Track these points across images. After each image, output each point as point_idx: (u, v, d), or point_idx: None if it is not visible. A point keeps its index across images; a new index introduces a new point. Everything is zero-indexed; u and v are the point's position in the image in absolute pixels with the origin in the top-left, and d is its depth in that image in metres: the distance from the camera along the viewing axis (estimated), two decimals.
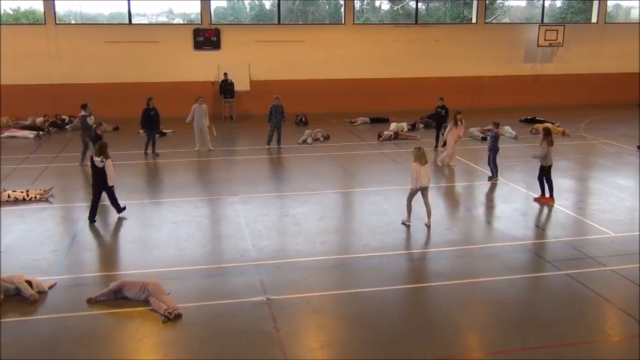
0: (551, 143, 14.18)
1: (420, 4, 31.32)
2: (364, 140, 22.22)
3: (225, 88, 27.14)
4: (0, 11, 27.34)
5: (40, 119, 25.36)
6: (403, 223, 12.50)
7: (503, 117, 25.68)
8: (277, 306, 8.93)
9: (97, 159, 12.69)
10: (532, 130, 23.62)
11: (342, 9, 29.88)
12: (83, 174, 16.79)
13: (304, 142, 21.61)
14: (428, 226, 12.31)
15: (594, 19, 32.16)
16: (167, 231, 12.31)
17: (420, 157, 12.21)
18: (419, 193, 12.32)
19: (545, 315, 8.67)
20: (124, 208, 13.29)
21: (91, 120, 18.22)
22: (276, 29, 29.16)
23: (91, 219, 12.85)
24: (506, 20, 34.47)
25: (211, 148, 20.11)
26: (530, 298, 9.24)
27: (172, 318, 8.46)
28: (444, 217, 13.19)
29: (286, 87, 27.70)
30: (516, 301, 9.17)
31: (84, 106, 18.44)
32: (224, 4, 32.65)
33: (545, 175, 14.24)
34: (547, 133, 14.32)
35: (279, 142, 20.65)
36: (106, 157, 12.74)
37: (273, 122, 20.52)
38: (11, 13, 29.83)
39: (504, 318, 8.65)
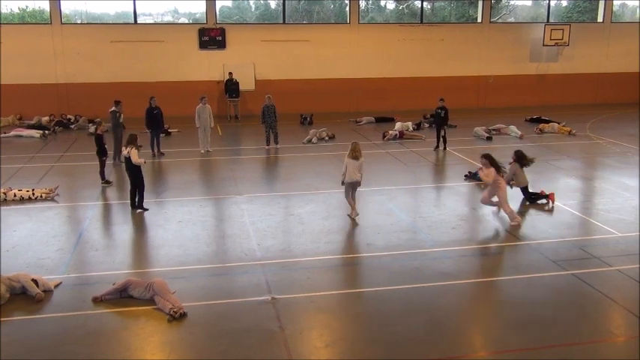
0: (525, 165, 14.19)
1: (425, 3, 31.28)
2: (369, 140, 22.20)
3: (231, 87, 27.17)
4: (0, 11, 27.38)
5: (45, 118, 25.45)
6: (348, 216, 12.93)
7: (508, 116, 25.76)
8: (282, 305, 8.94)
9: (124, 150, 13.31)
10: (537, 129, 23.56)
11: (347, 8, 29.87)
12: (89, 173, 16.82)
13: (309, 141, 21.60)
14: (352, 218, 12.80)
15: (600, 19, 32.05)
16: (172, 230, 12.34)
17: (354, 152, 12.74)
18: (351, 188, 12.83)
19: (551, 315, 8.65)
20: (146, 209, 13.52)
21: (120, 117, 18.28)
22: (281, 29, 29.17)
23: (132, 206, 13.53)
24: (512, 20, 34.42)
25: (209, 149, 20.01)
26: (535, 298, 9.21)
27: (177, 317, 8.47)
28: (449, 216, 13.17)
29: (291, 86, 27.78)
30: (521, 300, 9.14)
31: (116, 103, 18.51)
32: (229, 3, 32.71)
33: (525, 194, 14.17)
34: (519, 156, 14.30)
35: (275, 141, 20.54)
36: (134, 147, 13.26)
37: (267, 123, 20.36)
38: (18, 12, 29.94)
39: (509, 317, 8.63)
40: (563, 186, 15.74)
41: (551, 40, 30.47)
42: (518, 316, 8.64)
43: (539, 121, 25.11)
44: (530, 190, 14.31)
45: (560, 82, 31.44)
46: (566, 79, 31.50)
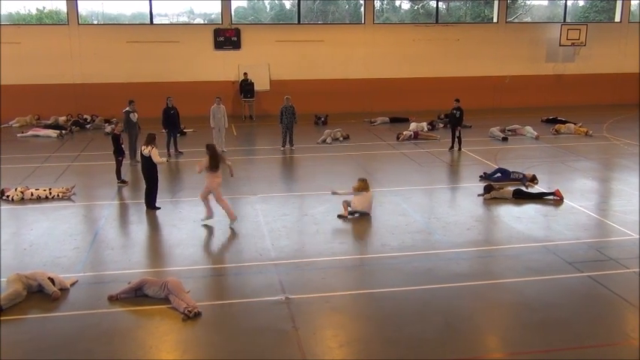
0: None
1: (440, 3, 31.17)
2: (384, 140, 22.17)
3: (246, 87, 27.24)
4: (0, 12, 27.72)
5: (62, 118, 25.69)
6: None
7: (524, 117, 25.60)
8: (296, 305, 8.94)
9: (144, 149, 13.33)
10: (553, 130, 23.38)
11: (362, 8, 29.84)
12: (105, 172, 16.94)
13: (324, 141, 21.60)
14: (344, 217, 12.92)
15: (617, 18, 31.77)
16: (187, 230, 12.39)
17: (365, 185, 13.08)
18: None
19: (567, 317, 8.58)
20: (158, 208, 13.60)
21: (134, 117, 18.38)
22: (296, 29, 29.21)
23: (147, 205, 13.61)
24: (528, 19, 34.21)
25: (224, 149, 20.04)
26: (551, 300, 9.14)
27: (192, 316, 8.51)
28: (464, 217, 13.11)
29: (306, 87, 27.79)
30: (537, 302, 9.08)
31: (130, 102, 18.59)
32: (244, 4, 32.80)
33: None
34: (488, 188, 14.54)
35: (290, 142, 20.50)
36: (154, 146, 13.30)
37: (285, 123, 20.34)
38: (36, 13, 30.24)
39: (525, 319, 8.57)
40: (579, 187, 15.61)
41: (567, 40, 30.25)
42: (533, 318, 8.58)
43: (555, 121, 24.92)
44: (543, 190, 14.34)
45: (577, 82, 31.19)
46: (582, 79, 31.25)
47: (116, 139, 16.09)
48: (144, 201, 13.75)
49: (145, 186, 13.86)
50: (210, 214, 12.69)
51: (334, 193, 13.46)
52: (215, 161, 12.37)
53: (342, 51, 29.09)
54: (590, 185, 15.99)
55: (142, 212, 13.55)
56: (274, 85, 28.08)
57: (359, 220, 12.93)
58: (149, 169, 13.50)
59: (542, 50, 31.07)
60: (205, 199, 12.68)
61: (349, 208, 13.03)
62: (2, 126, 25.27)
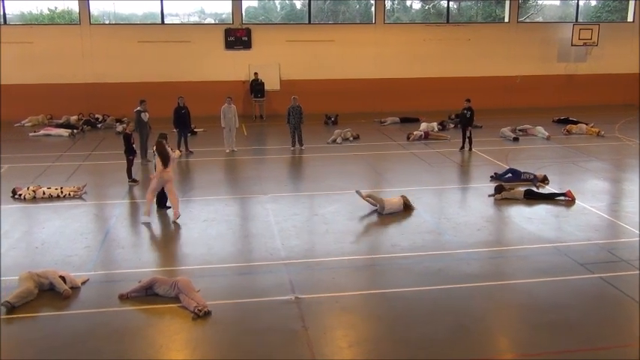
0: None
1: (451, 3, 31.09)
2: (394, 140, 22.13)
3: (256, 87, 27.29)
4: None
5: (74, 118, 25.83)
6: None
7: (535, 117, 25.48)
8: (306, 305, 8.95)
9: (150, 151, 13.55)
10: (564, 130, 23.25)
11: (373, 8, 29.81)
12: (116, 171, 17.02)
13: (334, 141, 21.59)
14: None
15: (630, 18, 31.55)
16: (198, 229, 12.43)
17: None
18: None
19: (578, 318, 8.54)
20: (169, 207, 13.55)
21: (145, 116, 18.43)
22: (306, 29, 29.22)
23: (158, 205, 13.65)
24: (540, 19, 34.02)
25: (234, 149, 20.10)
26: (562, 301, 9.09)
27: (202, 315, 8.53)
28: (474, 217, 13.06)
29: (316, 86, 27.79)
30: (548, 303, 9.03)
31: (141, 102, 18.65)
32: (255, 3, 32.83)
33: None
34: (499, 189, 14.54)
35: (300, 142, 20.46)
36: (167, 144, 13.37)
37: (292, 123, 20.31)
38: (48, 13, 30.43)
39: (536, 320, 8.53)
40: (591, 188, 15.52)
41: (579, 40, 30.07)
42: (544, 319, 8.53)
43: (567, 121, 24.77)
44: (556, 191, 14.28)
45: (589, 82, 30.99)
46: (594, 79, 31.05)
47: (127, 139, 16.16)
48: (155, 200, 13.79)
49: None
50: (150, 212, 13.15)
51: (358, 193, 13.49)
52: (164, 158, 12.82)
53: (353, 51, 29.07)
54: (602, 186, 15.89)
55: (153, 211, 13.59)
56: (284, 85, 28.12)
57: (369, 220, 12.91)
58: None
59: (554, 50, 30.91)
60: (152, 194, 13.16)
61: (385, 209, 13.04)
62: (15, 125, 25.44)
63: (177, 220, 12.80)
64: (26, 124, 25.63)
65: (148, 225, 12.77)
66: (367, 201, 13.37)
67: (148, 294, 9.21)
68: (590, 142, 21.52)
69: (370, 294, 9.49)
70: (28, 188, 14.66)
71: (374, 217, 13.01)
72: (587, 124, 23.63)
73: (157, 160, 12.87)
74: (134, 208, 14.34)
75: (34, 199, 14.40)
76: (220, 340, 8.06)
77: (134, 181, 16.04)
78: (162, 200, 13.66)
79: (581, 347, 7.80)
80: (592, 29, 30.07)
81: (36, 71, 26.91)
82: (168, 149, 13.24)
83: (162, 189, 13.46)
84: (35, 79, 26.95)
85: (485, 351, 7.87)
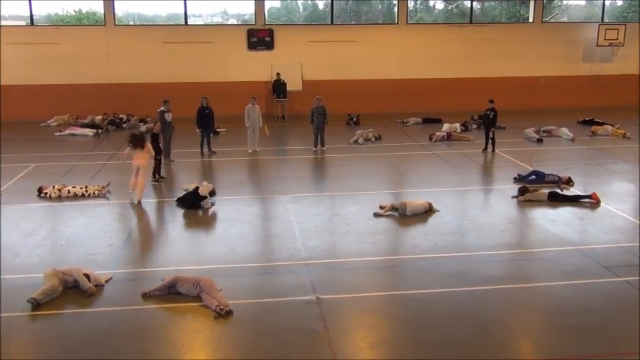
0: None
1: (474, 3, 30.87)
2: (416, 141, 22.04)
3: (278, 87, 27.37)
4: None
5: (99, 118, 26.10)
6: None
7: (560, 118, 25.21)
8: (327, 305, 8.95)
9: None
10: (589, 132, 22.96)
11: (395, 8, 29.72)
12: None
13: (356, 142, 21.57)
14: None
15: None
16: (219, 229, 12.51)
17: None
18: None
19: (602, 322, 8.42)
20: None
21: (169, 116, 18.57)
22: (328, 29, 29.23)
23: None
24: (565, 19, 33.66)
25: (257, 149, 20.16)
26: (586, 305, 8.98)
27: (223, 314, 8.57)
28: (497, 219, 12.96)
29: (338, 87, 27.77)
30: (572, 306, 8.93)
31: (164, 102, 18.79)
32: (278, 4, 32.93)
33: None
34: (522, 190, 14.40)
35: (322, 143, 20.42)
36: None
37: (315, 124, 20.29)
38: (73, 14, 30.82)
39: (559, 324, 8.44)
40: (616, 190, 15.31)
41: (605, 40, 29.68)
42: (567, 322, 8.44)
43: (592, 123, 24.46)
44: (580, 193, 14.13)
45: (615, 83, 30.55)
46: (620, 80, 30.59)
47: (155, 138, 16.35)
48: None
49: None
50: (133, 188, 14.59)
51: (378, 215, 13.25)
52: (135, 142, 14.53)
53: (375, 51, 29.01)
54: (628, 188, 15.66)
55: (176, 211, 13.70)
56: (306, 86, 28.14)
57: (391, 221, 12.88)
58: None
59: (579, 50, 30.54)
60: (135, 175, 14.54)
61: (407, 211, 12.97)
62: (40, 125, 25.81)
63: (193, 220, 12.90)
64: (52, 124, 25.99)
65: (170, 224, 12.89)
66: (390, 213, 13.21)
67: (170, 292, 9.28)
68: (616, 144, 21.23)
69: (391, 295, 9.45)
70: (53, 187, 14.87)
71: (396, 218, 12.97)
72: (612, 126, 23.30)
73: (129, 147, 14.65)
74: (157, 208, 14.46)
75: (59, 198, 14.59)
76: (241, 340, 8.09)
77: (162, 177, 16.19)
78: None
79: (605, 352, 7.69)
80: (618, 29, 29.67)
81: (62, 71, 27.27)
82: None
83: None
84: (61, 79, 27.31)
85: (507, 353, 7.79)
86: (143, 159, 14.47)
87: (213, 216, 13.32)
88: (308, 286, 9.61)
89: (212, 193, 14.07)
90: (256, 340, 8.04)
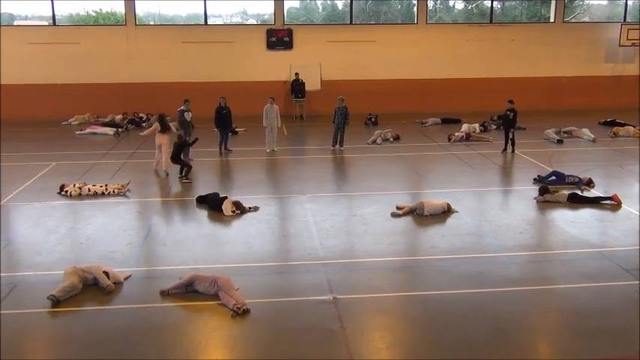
0: None
1: (495, 3, 30.65)
2: (435, 141, 21.95)
3: (297, 87, 27.39)
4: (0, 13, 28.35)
5: (119, 117, 26.34)
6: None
7: (581, 119, 24.94)
8: (343, 305, 8.95)
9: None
10: (611, 133, 22.69)
11: (415, 8, 29.62)
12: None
13: (374, 142, 21.53)
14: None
15: None
16: (237, 228, 12.56)
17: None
18: None
19: (621, 325, 8.33)
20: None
21: (188, 116, 18.63)
22: (347, 29, 29.20)
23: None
24: (586, 19, 33.30)
25: (275, 149, 20.20)
26: (604, 307, 8.89)
27: (241, 313, 8.61)
28: (516, 220, 12.87)
29: (357, 87, 27.71)
30: (591, 309, 8.85)
31: (185, 101, 18.85)
32: (297, 4, 33.00)
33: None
34: (543, 190, 14.28)
35: (341, 143, 20.39)
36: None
37: (336, 123, 20.28)
38: (93, 14, 31.13)
39: (577, 326, 8.37)
40: (638, 192, 15.11)
41: (627, 40, 29.30)
42: (586, 324, 8.37)
43: (613, 124, 24.18)
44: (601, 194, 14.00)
45: (637, 83, 30.13)
46: None
47: (179, 149, 16.56)
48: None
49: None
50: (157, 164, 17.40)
51: (395, 215, 13.22)
52: (163, 127, 17.34)
53: (394, 51, 28.92)
54: None
55: (194, 209, 13.79)
56: (325, 86, 28.15)
57: (409, 221, 12.84)
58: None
59: (601, 51, 30.20)
60: (159, 151, 17.36)
61: (425, 210, 12.96)
62: (62, 123, 26.09)
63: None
64: (73, 123, 26.25)
65: (188, 223, 12.98)
66: (407, 214, 13.17)
67: (188, 291, 9.34)
68: (638, 145, 20.96)
69: (408, 296, 9.43)
70: (74, 185, 15.02)
71: (413, 219, 12.93)
72: (634, 127, 23.01)
73: (156, 127, 17.38)
74: (176, 206, 14.56)
75: (79, 196, 14.74)
76: (258, 339, 8.12)
77: (187, 179, 16.22)
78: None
79: (624, 355, 7.62)
80: None
81: (83, 71, 27.53)
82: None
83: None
84: (82, 78, 27.57)
85: (524, 355, 7.75)
86: (165, 138, 17.26)
87: (232, 215, 13.33)
88: (325, 286, 9.62)
89: (237, 206, 13.65)
90: (273, 340, 8.07)
